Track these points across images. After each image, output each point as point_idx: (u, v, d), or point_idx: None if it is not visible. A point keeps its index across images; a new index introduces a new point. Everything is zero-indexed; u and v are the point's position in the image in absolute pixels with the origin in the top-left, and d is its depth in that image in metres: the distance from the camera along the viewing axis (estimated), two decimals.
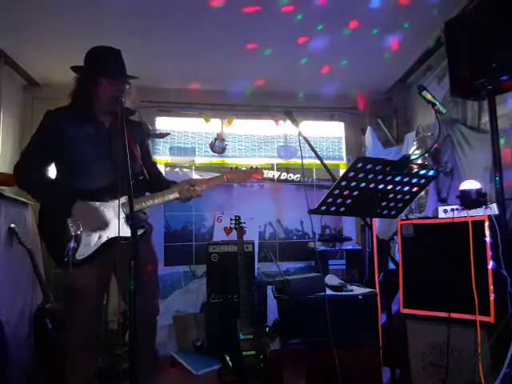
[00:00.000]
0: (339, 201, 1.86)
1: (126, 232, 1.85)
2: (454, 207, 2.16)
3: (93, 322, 2.00)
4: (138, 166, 1.99)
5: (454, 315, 2.04)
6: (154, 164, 2.29)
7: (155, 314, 2.12)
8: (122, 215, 1.90)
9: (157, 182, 2.11)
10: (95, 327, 2.04)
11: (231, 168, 2.13)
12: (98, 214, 1.90)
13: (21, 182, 1.96)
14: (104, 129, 2.00)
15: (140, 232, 1.96)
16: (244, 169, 2.15)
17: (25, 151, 1.99)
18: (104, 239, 1.90)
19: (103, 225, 1.90)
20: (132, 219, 1.62)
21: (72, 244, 1.85)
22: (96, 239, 1.90)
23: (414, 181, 1.94)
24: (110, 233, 1.90)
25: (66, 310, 2.02)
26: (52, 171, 2.03)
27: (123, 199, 1.88)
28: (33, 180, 1.94)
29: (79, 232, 1.88)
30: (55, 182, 1.99)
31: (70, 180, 1.94)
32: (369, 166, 1.75)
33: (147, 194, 2.10)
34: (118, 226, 1.83)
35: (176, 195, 1.99)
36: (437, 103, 1.94)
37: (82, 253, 1.88)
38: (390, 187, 1.91)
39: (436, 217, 2.26)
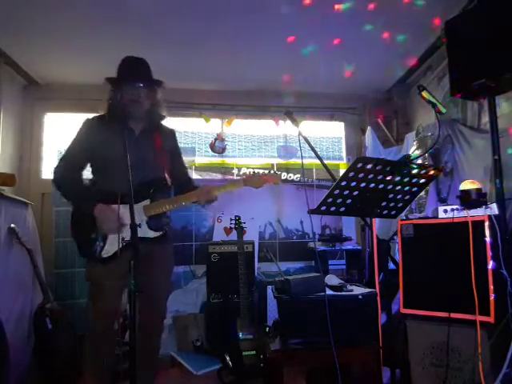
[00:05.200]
0: (339, 201, 1.86)
1: (146, 233, 2.04)
2: (454, 207, 2.16)
3: (112, 317, 2.12)
4: (163, 172, 2.13)
5: (454, 315, 2.04)
6: (185, 172, 2.41)
7: (163, 316, 2.24)
8: (144, 218, 2.05)
9: (185, 187, 2.22)
10: (114, 319, 2.16)
11: (249, 173, 2.28)
12: (117, 217, 1.97)
13: (57, 184, 2.12)
14: (133, 135, 2.12)
15: (158, 234, 2.09)
16: (262, 173, 2.27)
17: (64, 155, 2.14)
18: (127, 239, 1.98)
19: (120, 227, 1.98)
20: (133, 220, 1.64)
21: (99, 243, 2.02)
22: (120, 239, 1.99)
23: (414, 181, 1.94)
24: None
25: (90, 305, 2.14)
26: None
27: (145, 202, 2.05)
28: (67, 185, 2.11)
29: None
30: (86, 186, 2.17)
31: (99, 182, 2.11)
32: (369, 166, 1.75)
33: None
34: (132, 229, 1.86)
35: (194, 199, 2.11)
36: (437, 103, 1.95)
37: (107, 251, 2.02)
38: (390, 187, 1.91)
39: (436, 217, 2.25)
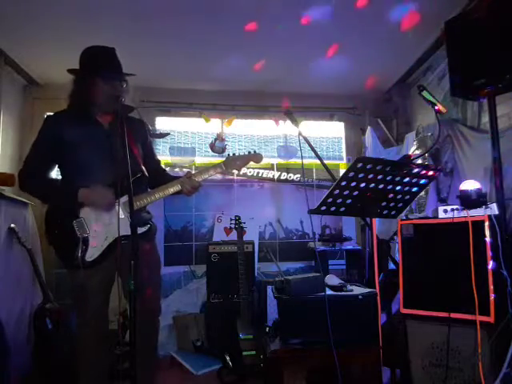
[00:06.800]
0: (339, 201, 1.86)
1: (129, 231, 1.76)
2: (454, 207, 2.16)
3: (102, 320, 2.04)
4: (137, 164, 2.00)
5: (454, 315, 2.04)
6: (158, 162, 2.32)
7: (157, 313, 2.16)
8: (125, 214, 1.91)
9: (161, 179, 2.12)
10: (105, 325, 2.08)
11: (229, 155, 2.14)
12: (104, 193, 1.90)
13: (26, 187, 2.01)
14: (103, 129, 2.02)
15: (144, 229, 1.99)
16: (242, 154, 2.16)
17: (27, 157, 2.02)
18: (110, 240, 1.93)
19: (110, 205, 1.90)
20: (132, 218, 1.62)
21: (80, 247, 1.89)
22: (103, 240, 1.93)
23: (414, 181, 1.94)
24: (116, 233, 1.87)
25: (76, 310, 2.04)
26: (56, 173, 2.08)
27: (124, 198, 1.90)
28: (38, 185, 2.00)
29: (86, 235, 1.92)
30: (59, 183, 2.05)
31: (72, 182, 1.97)
32: (369, 166, 1.75)
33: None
34: (118, 225, 1.83)
35: (177, 188, 2.01)
36: (437, 103, 1.95)
37: (91, 255, 1.92)
38: (390, 187, 1.91)
39: (436, 217, 2.25)
